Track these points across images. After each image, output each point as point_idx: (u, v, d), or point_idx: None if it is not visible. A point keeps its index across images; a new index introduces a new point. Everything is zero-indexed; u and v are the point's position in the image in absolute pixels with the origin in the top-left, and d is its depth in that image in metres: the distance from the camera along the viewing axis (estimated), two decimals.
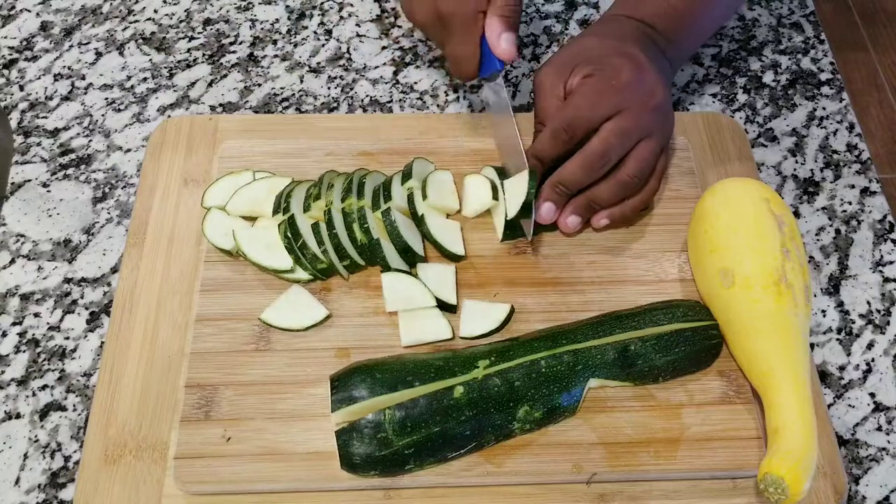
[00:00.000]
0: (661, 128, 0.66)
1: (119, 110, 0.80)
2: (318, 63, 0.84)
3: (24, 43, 0.84)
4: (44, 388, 0.64)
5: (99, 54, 0.84)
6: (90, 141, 0.78)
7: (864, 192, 0.77)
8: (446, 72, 0.83)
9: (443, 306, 0.64)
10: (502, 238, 0.68)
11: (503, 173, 0.69)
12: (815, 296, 0.71)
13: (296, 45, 0.85)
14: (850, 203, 0.76)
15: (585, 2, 0.90)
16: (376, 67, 0.84)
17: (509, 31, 0.66)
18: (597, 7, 0.89)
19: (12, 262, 0.70)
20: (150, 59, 0.83)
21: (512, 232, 0.68)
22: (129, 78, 0.82)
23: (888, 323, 0.70)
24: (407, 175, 0.68)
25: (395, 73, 0.83)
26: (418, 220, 0.67)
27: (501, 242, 0.69)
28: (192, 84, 0.82)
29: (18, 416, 0.63)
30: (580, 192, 0.66)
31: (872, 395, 0.66)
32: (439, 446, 0.56)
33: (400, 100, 0.81)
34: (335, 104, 0.81)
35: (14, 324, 0.67)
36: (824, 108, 0.82)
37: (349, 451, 0.55)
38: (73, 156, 0.76)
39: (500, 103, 0.71)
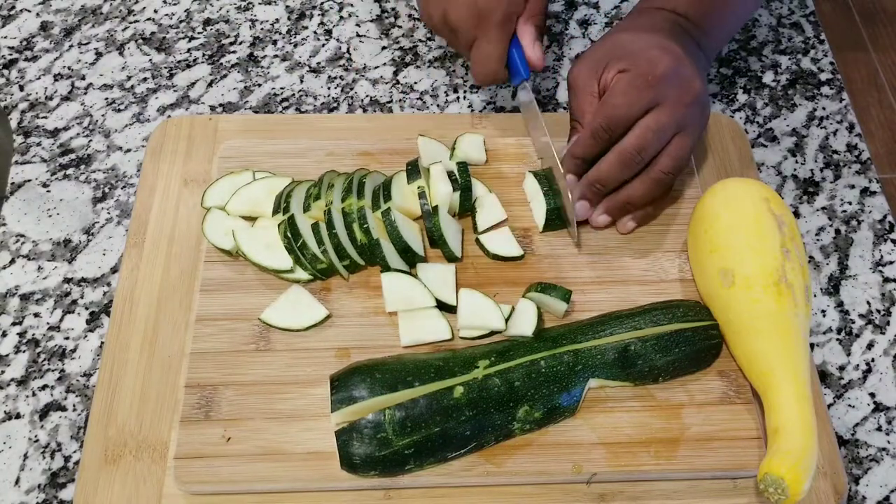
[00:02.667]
0: (696, 122, 0.65)
1: (119, 110, 0.80)
2: (318, 63, 0.84)
3: (24, 43, 0.84)
4: (44, 388, 0.64)
5: (99, 54, 0.84)
6: (90, 141, 0.77)
7: (864, 192, 0.77)
8: (446, 72, 0.83)
9: (442, 306, 0.64)
10: (543, 229, 0.69)
11: (546, 179, 0.69)
12: (815, 296, 0.71)
13: (296, 45, 0.85)
14: (850, 203, 0.76)
15: (585, 2, 0.90)
16: (376, 67, 0.83)
17: (540, 39, 0.67)
18: (597, 7, 0.89)
19: (12, 262, 0.70)
20: (150, 59, 0.83)
21: (552, 224, 0.69)
22: (129, 78, 0.82)
23: (888, 323, 0.70)
24: (413, 170, 0.68)
25: (395, 73, 0.83)
26: (428, 215, 0.66)
27: (542, 233, 0.69)
28: (192, 84, 0.82)
29: (18, 416, 0.63)
30: (613, 190, 0.66)
31: (872, 395, 0.66)
32: (439, 446, 0.56)
33: (400, 100, 0.81)
34: (335, 104, 0.81)
35: (14, 324, 0.67)
36: (824, 108, 0.82)
37: (349, 451, 0.55)
38: (73, 156, 0.76)
39: (530, 109, 0.71)
